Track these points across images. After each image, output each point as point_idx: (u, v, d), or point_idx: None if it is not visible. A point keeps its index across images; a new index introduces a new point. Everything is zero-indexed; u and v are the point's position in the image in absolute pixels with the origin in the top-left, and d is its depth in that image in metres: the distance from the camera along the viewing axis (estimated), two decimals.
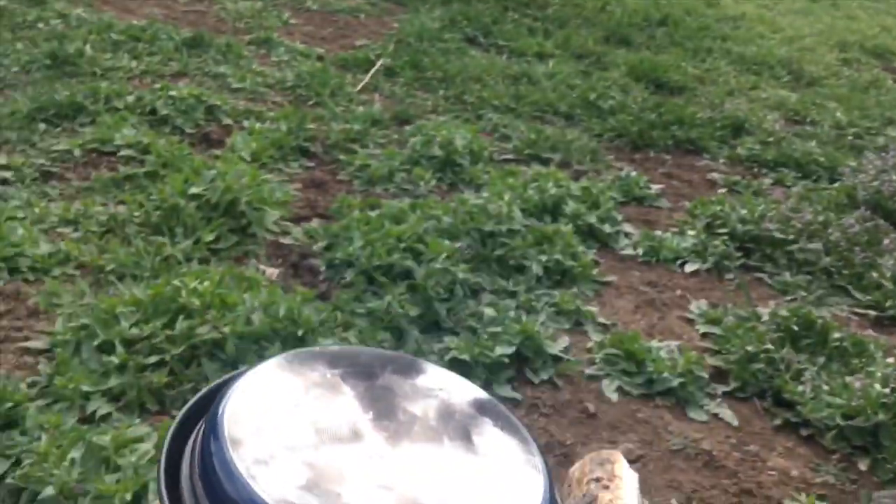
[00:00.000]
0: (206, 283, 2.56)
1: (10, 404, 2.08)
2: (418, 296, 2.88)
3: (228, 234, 3.10)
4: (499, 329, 2.78)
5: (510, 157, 4.54)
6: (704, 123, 5.30)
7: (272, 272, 3.01)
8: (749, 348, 2.84)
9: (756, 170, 4.91)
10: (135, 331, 2.37)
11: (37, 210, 3.08)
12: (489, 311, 2.89)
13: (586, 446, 2.41)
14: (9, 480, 1.88)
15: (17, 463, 1.93)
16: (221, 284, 2.61)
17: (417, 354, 2.66)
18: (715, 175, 4.78)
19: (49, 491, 1.75)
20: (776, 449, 2.52)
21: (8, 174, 3.30)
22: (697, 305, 3.28)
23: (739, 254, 3.69)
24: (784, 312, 3.06)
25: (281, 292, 2.68)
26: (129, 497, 1.74)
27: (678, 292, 3.39)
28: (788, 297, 3.42)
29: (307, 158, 4.04)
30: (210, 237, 3.02)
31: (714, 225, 3.92)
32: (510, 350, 2.67)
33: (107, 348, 2.34)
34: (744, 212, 3.90)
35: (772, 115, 5.64)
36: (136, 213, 3.12)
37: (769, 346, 2.85)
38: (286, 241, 3.24)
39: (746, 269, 3.62)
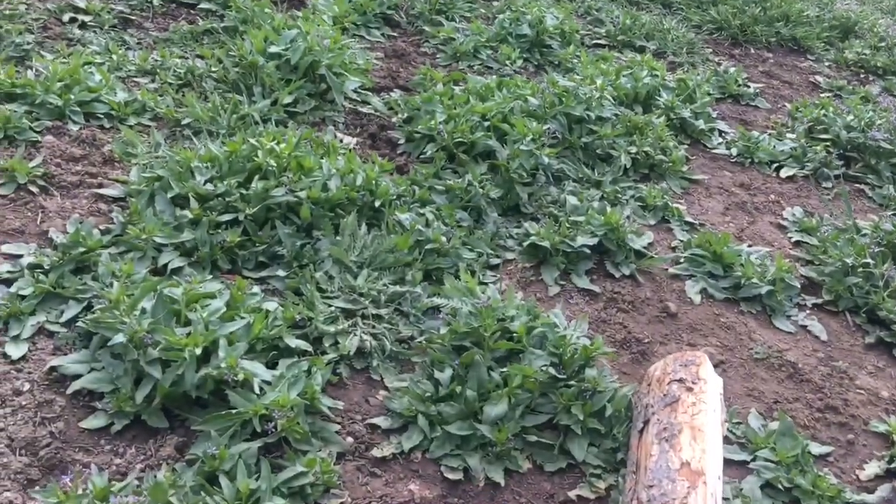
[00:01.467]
0: (283, 146, 2.47)
1: (83, 249, 2.05)
2: (500, 177, 2.75)
3: (307, 98, 2.98)
4: (581, 218, 2.65)
5: (602, 42, 4.28)
6: (811, 22, 4.93)
7: (350, 141, 2.90)
8: (846, 261, 2.66)
9: (863, 75, 4.57)
10: (209, 187, 2.31)
11: (114, 57, 3.00)
12: (572, 200, 2.75)
13: (664, 346, 2.31)
14: (80, 324, 1.86)
15: (89, 307, 1.92)
16: (299, 148, 2.52)
17: (495, 237, 2.56)
18: (818, 78, 4.46)
19: (119, 338, 1.72)
20: (866, 367, 2.38)
21: (87, 18, 3.21)
22: (791, 212, 3.08)
23: (840, 162, 3.44)
24: (888, 226, 2.85)
25: (359, 161, 2.58)
26: (198, 352, 1.70)
27: (772, 197, 3.19)
28: (891, 212, 3.20)
29: (390, 27, 3.86)
30: (288, 99, 2.91)
31: (815, 130, 3.66)
32: (592, 241, 2.55)
33: (180, 202, 2.28)
34: (850, 118, 3.62)
35: (885, 18, 5.20)
36: (214, 69, 3.02)
37: (868, 259, 2.66)
38: (365, 110, 3.11)
39: (846, 178, 3.39)
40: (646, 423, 1.80)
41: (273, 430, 1.65)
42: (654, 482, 1.62)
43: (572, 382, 1.94)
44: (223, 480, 1.54)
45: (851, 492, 1.90)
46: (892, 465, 2.00)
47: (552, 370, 1.94)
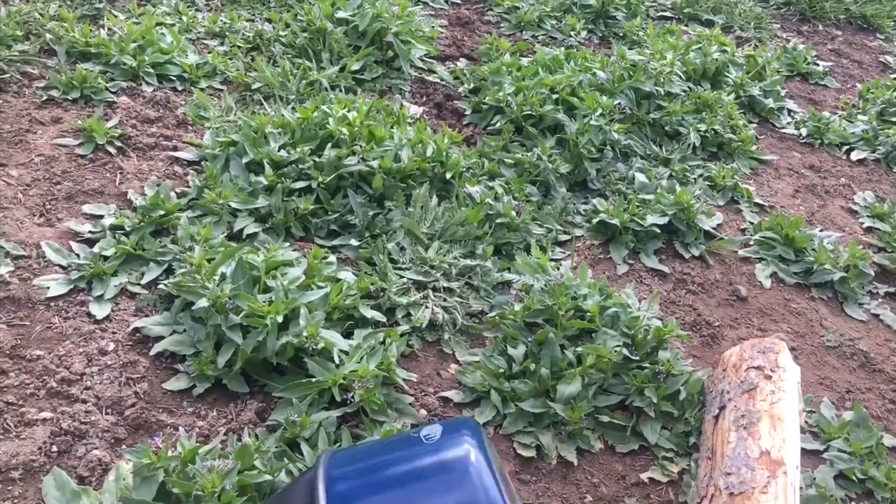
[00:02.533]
0: (355, 114, 2.46)
1: (162, 212, 2.08)
2: (568, 152, 2.72)
3: (374, 66, 2.97)
4: (650, 197, 2.61)
5: (668, 14, 4.20)
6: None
7: (416, 110, 2.88)
8: None
9: None
10: (283, 154, 2.31)
11: (184, 18, 3.01)
12: (641, 177, 2.71)
13: (734, 330, 2.28)
14: (161, 286, 1.89)
15: (169, 270, 1.94)
16: (369, 116, 2.51)
17: (563, 213, 2.54)
18: (889, 58, 4.33)
19: (203, 303, 1.74)
20: None
21: None
22: (863, 197, 3.01)
23: None
24: None
25: (429, 132, 2.56)
26: (279, 319, 1.71)
27: (842, 180, 3.12)
28: None
29: None
30: (356, 66, 2.90)
31: (887, 112, 3.57)
32: (662, 220, 2.51)
33: (254, 168, 2.29)
34: None
35: None
36: (283, 33, 3.01)
37: None
38: (431, 79, 3.09)
39: None
40: (722, 409, 1.79)
41: (351, 399, 1.67)
42: (732, 469, 1.61)
43: (645, 364, 1.93)
44: (304, 447, 1.56)
45: None
46: None
47: (625, 351, 1.93)
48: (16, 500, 1.43)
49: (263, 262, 1.87)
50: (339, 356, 1.73)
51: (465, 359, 1.96)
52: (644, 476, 1.78)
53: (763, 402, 1.75)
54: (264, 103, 2.66)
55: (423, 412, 1.81)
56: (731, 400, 1.79)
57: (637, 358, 1.94)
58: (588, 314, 2.02)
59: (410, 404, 1.81)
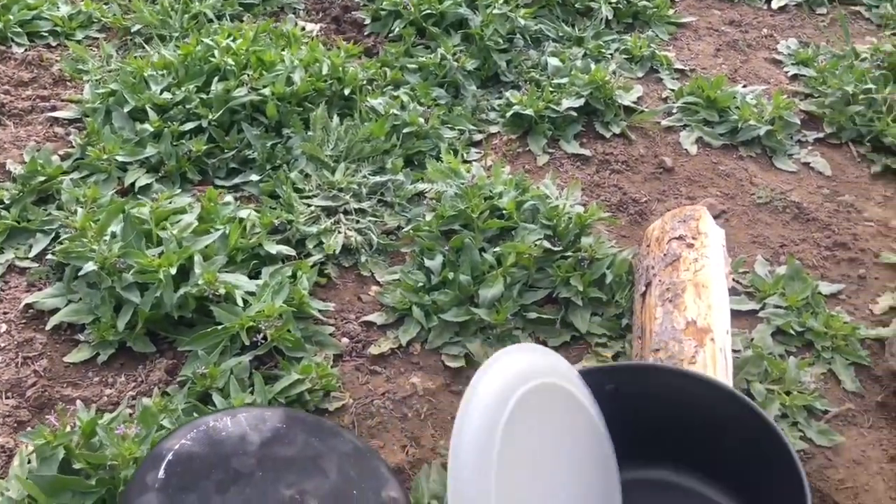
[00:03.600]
0: (241, 41, 2.32)
1: (43, 178, 1.96)
2: (475, 47, 2.60)
3: None
4: (565, 80, 2.51)
5: None
6: None
7: (313, 27, 2.73)
8: (846, 89, 2.53)
9: None
10: (167, 96, 2.18)
11: None
12: (554, 61, 2.60)
13: (663, 203, 2.22)
14: (49, 256, 1.79)
15: (57, 238, 1.83)
16: (257, 42, 2.37)
17: (476, 112, 2.43)
18: None
19: (90, 266, 1.65)
20: (873, 198, 2.29)
21: None
22: (786, 45, 2.92)
23: None
24: (888, 47, 2.69)
25: (323, 49, 2.42)
26: (173, 271, 1.62)
27: (764, 31, 3.02)
28: (890, 31, 3.03)
29: None
30: None
31: None
32: (578, 103, 2.41)
33: (139, 115, 2.16)
34: None
35: None
36: None
37: (869, 85, 2.53)
38: None
39: (842, 2, 3.20)
40: (648, 285, 1.74)
41: (262, 340, 1.60)
42: (660, 345, 1.57)
43: (569, 253, 1.87)
44: (216, 398, 1.49)
45: (866, 328, 1.85)
46: None
47: (546, 243, 1.86)
48: None
49: (152, 214, 1.76)
50: (244, 298, 1.65)
51: (386, 279, 1.89)
52: (578, 366, 1.74)
53: (686, 271, 1.69)
54: (146, 46, 2.50)
55: (345, 340, 1.74)
56: (656, 275, 1.74)
57: (560, 248, 1.87)
58: (505, 212, 1.94)
59: (331, 334, 1.74)
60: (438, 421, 1.61)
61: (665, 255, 1.76)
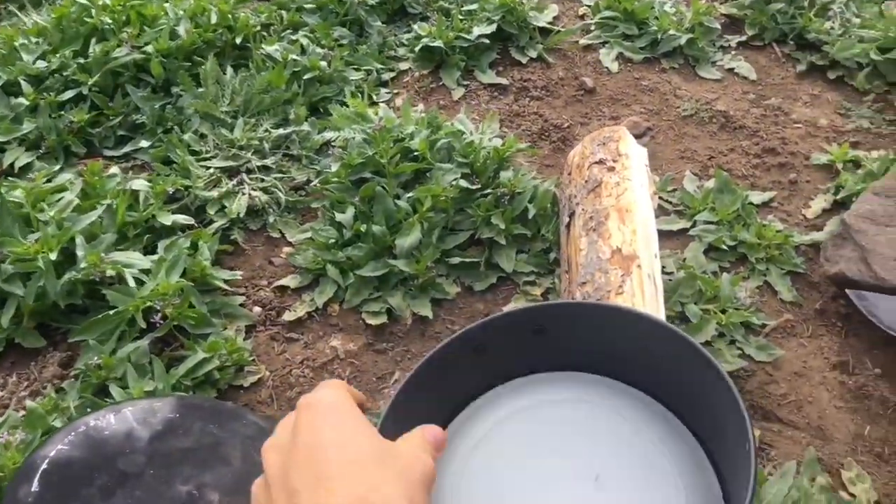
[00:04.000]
0: None
1: None
2: None
3: None
4: (475, 6, 2.37)
5: None
6: None
7: None
8: None
9: None
10: (41, 64, 1.99)
11: None
12: None
13: (586, 126, 2.11)
14: None
15: None
16: None
17: (383, 49, 2.29)
18: None
19: None
20: (800, 99, 2.21)
21: None
22: None
23: None
24: None
25: None
26: (53, 256, 1.48)
27: None
28: None
29: None
30: None
31: None
32: (490, 29, 2.28)
33: (12, 90, 1.98)
34: None
35: None
36: None
37: None
38: None
39: None
40: (571, 216, 1.64)
41: (161, 321, 1.47)
42: (586, 278, 1.48)
43: (488, 191, 1.76)
44: (114, 390, 1.37)
45: (799, 234, 1.79)
46: (838, 196, 1.87)
47: (464, 182, 1.75)
48: None
49: (27, 196, 1.61)
50: (136, 278, 1.52)
51: (297, 238, 1.77)
52: (507, 307, 1.65)
53: (609, 197, 1.60)
54: (19, 14, 2.29)
55: (257, 309, 1.63)
56: (579, 204, 1.64)
57: (478, 186, 1.76)
58: (418, 154, 1.82)
59: (242, 305, 1.62)
60: (363, 383, 1.52)
61: (586, 181, 1.66)
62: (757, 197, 1.87)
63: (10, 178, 1.76)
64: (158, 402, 1.12)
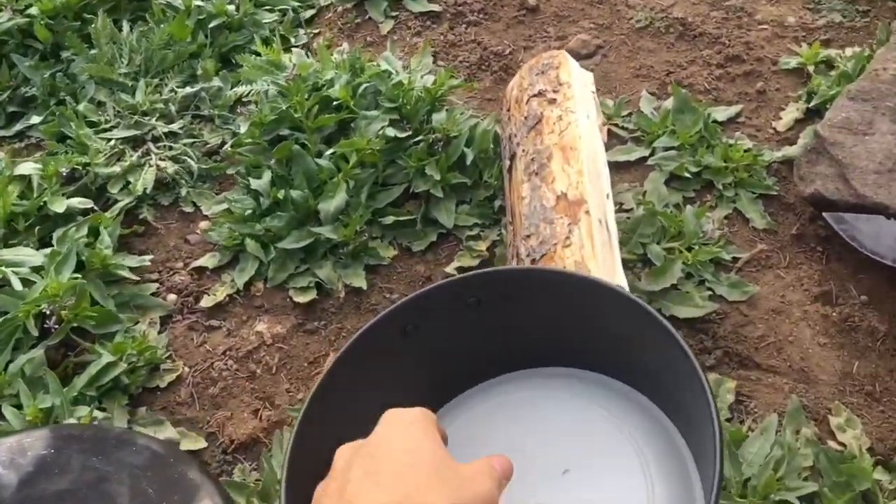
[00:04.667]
0: None
1: None
2: None
3: None
4: None
5: None
6: None
7: None
8: None
9: None
10: None
11: None
12: None
13: (530, 51, 1.91)
14: None
15: None
16: None
17: None
18: None
19: None
20: None
21: None
22: None
23: None
24: None
25: None
26: None
27: None
28: None
29: None
30: None
31: None
32: None
33: None
34: None
35: None
36: None
37: None
38: None
39: None
40: (512, 158, 1.46)
41: (56, 326, 1.30)
42: (530, 230, 1.31)
43: (420, 137, 1.57)
44: (7, 411, 1.21)
45: (770, 150, 1.61)
46: (811, 104, 1.69)
47: (392, 130, 1.56)
48: None
49: None
50: (25, 278, 1.35)
51: (214, 210, 1.59)
52: (451, 268, 1.48)
53: (551, 134, 1.41)
54: None
55: (172, 297, 1.46)
56: (520, 144, 1.46)
57: (409, 133, 1.58)
58: (339, 102, 1.62)
59: (154, 293, 1.45)
60: (293, 371, 1.36)
61: (526, 118, 1.47)
62: (721, 113, 1.69)
63: None
64: (29, 438, 0.96)
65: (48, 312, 1.29)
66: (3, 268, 1.33)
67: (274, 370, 1.36)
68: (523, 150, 1.43)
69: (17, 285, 1.31)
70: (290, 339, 1.40)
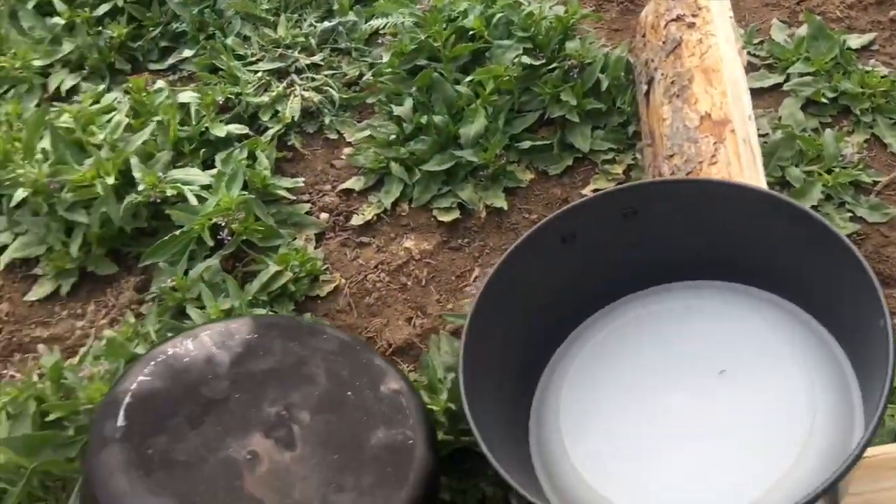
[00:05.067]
0: None
1: None
2: None
3: None
4: None
5: None
6: None
7: None
8: None
9: None
10: None
11: None
12: None
13: None
14: None
15: None
16: None
17: None
18: None
19: (20, 193, 1.46)
20: None
21: None
22: None
23: None
24: None
25: None
26: (111, 180, 1.43)
27: None
28: None
29: None
30: None
31: None
32: None
33: (47, 9, 1.89)
34: None
35: None
36: None
37: None
38: None
39: None
40: (650, 82, 1.50)
41: (229, 238, 1.42)
42: (673, 150, 1.35)
43: (554, 65, 1.62)
44: (191, 311, 1.33)
45: None
46: None
47: (527, 59, 1.62)
48: None
49: (76, 119, 1.55)
50: (198, 195, 1.46)
51: (357, 137, 1.67)
52: (587, 190, 1.54)
53: (692, 57, 1.45)
54: None
55: (325, 216, 1.56)
56: (658, 68, 1.49)
57: (543, 62, 1.63)
58: (474, 32, 1.68)
59: (308, 212, 1.55)
60: (442, 283, 1.45)
61: (664, 42, 1.51)
62: (855, 40, 1.69)
63: (55, 103, 1.70)
64: (235, 324, 1.06)
65: (223, 225, 1.40)
66: (178, 185, 1.44)
67: (423, 283, 1.45)
68: (662, 74, 1.47)
69: (193, 200, 1.43)
70: (437, 255, 1.48)
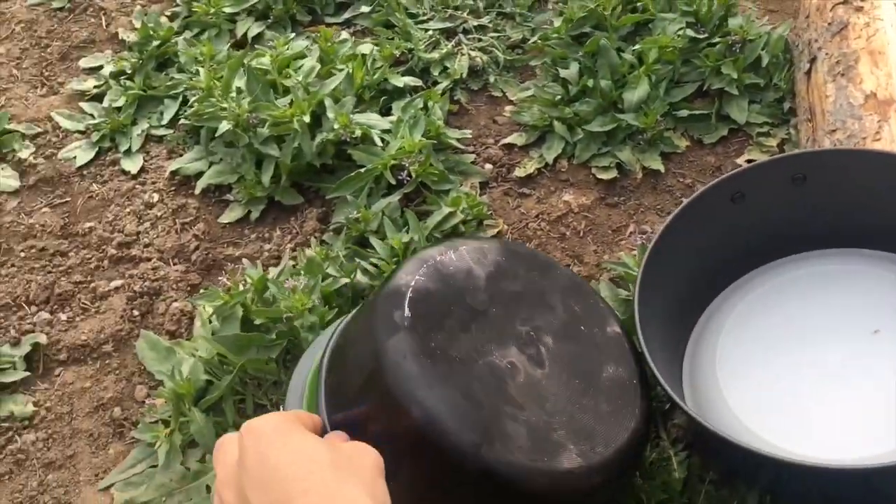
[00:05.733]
0: None
1: (157, 42, 1.91)
2: None
3: None
4: None
5: None
6: None
7: None
8: None
9: None
10: None
11: None
12: None
13: None
14: (182, 121, 1.78)
15: (185, 102, 1.81)
16: None
17: None
18: None
19: (225, 126, 1.62)
20: None
21: None
22: None
23: None
24: None
25: None
26: (306, 119, 1.58)
27: None
28: None
29: None
30: None
31: None
32: None
33: None
34: None
35: None
36: None
37: None
38: None
39: None
40: (812, 61, 1.57)
41: (408, 178, 1.55)
42: (836, 125, 1.42)
43: (716, 39, 1.70)
44: (374, 241, 1.48)
45: None
46: None
47: (690, 32, 1.70)
48: (116, 371, 1.44)
49: (273, 63, 1.70)
50: (381, 137, 1.60)
51: (519, 96, 1.79)
52: (741, 160, 1.62)
53: (858, 39, 1.51)
54: None
55: (489, 167, 1.68)
56: (821, 48, 1.56)
57: (706, 35, 1.71)
58: (640, 4, 1.77)
59: (473, 162, 1.68)
60: (598, 236, 1.56)
61: (830, 24, 1.57)
62: None
63: (256, 47, 1.87)
64: (486, 245, 1.10)
65: (405, 165, 1.54)
66: (364, 127, 1.59)
67: (581, 234, 1.56)
68: (826, 54, 1.54)
69: (378, 141, 1.57)
70: (594, 210, 1.59)
